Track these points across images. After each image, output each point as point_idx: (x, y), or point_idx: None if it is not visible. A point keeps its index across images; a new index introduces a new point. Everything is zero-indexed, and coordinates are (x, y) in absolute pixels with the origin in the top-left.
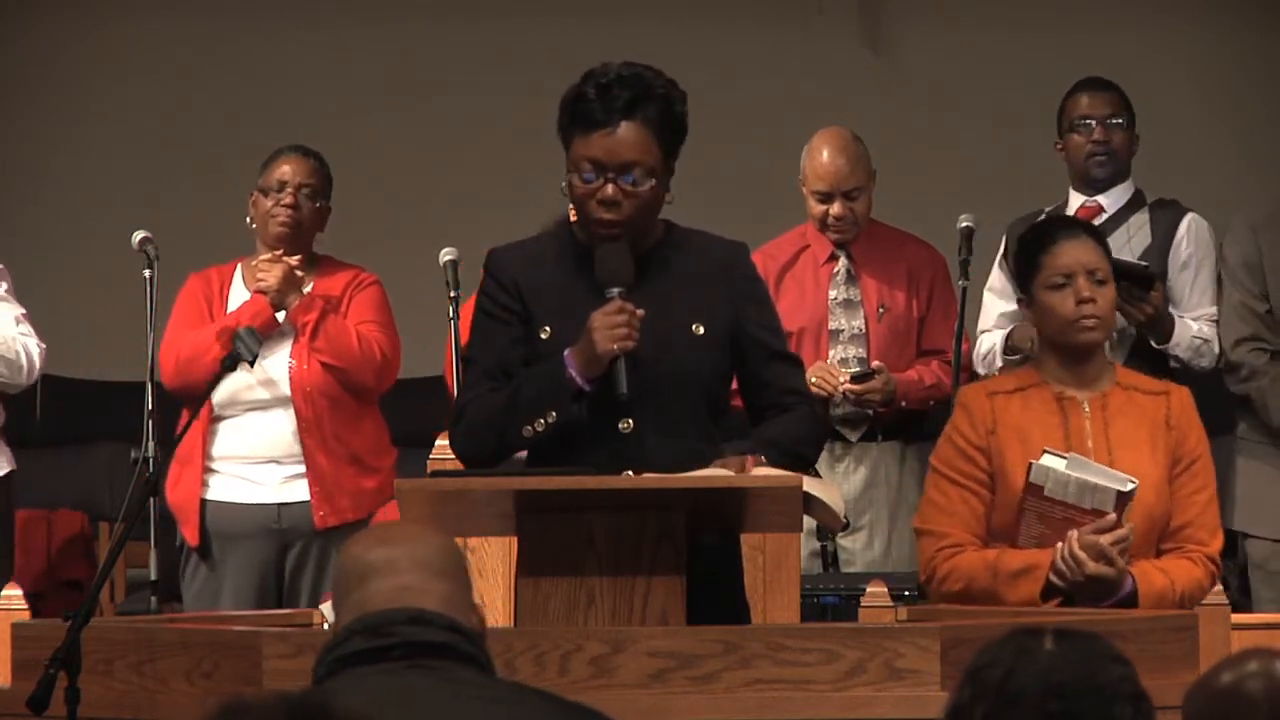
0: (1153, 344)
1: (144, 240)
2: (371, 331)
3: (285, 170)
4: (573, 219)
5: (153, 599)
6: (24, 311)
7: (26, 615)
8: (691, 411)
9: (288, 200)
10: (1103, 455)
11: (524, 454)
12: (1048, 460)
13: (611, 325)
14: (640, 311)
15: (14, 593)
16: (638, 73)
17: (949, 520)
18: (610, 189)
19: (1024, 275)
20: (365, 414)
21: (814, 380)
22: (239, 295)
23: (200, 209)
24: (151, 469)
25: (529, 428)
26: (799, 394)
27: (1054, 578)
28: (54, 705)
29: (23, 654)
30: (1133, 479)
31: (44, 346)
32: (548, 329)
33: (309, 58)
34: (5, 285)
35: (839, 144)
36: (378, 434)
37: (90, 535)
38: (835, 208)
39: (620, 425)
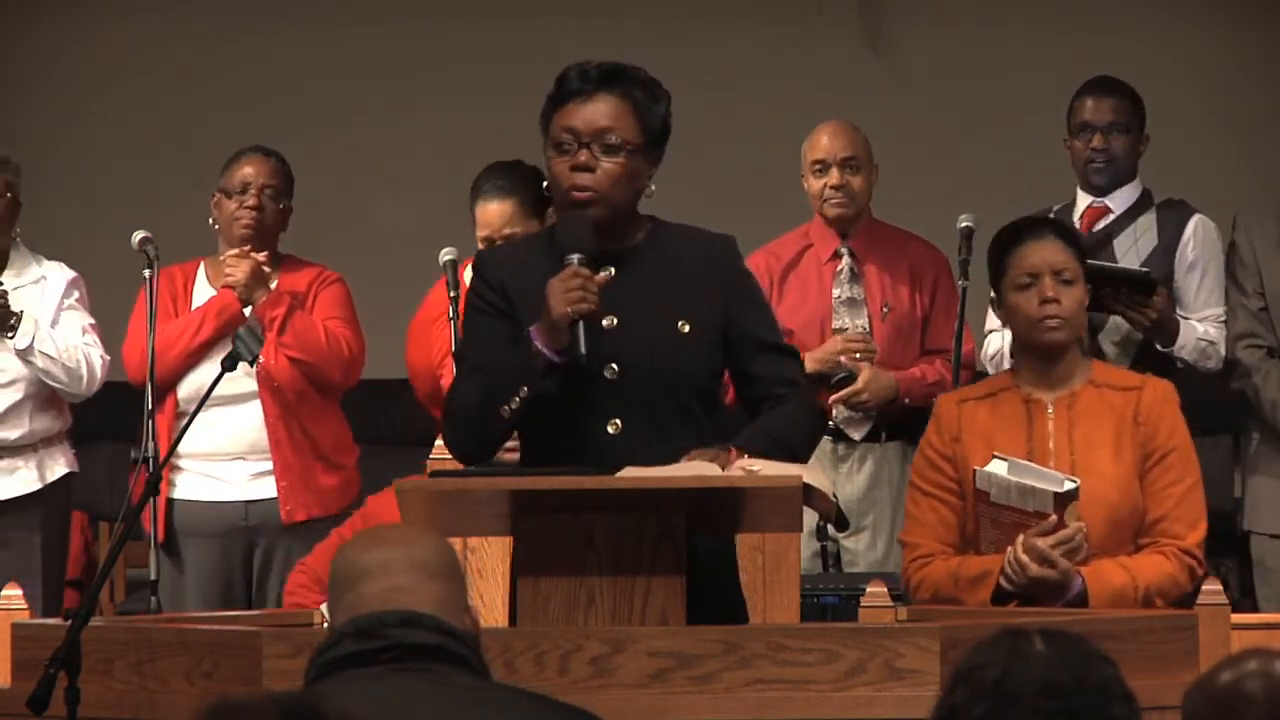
0: (1158, 347)
1: (144, 240)
2: (337, 328)
3: (248, 171)
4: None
5: (153, 599)
6: (93, 322)
7: (26, 615)
8: (680, 410)
9: (251, 202)
10: (1065, 456)
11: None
12: (991, 466)
13: (567, 289)
14: (600, 276)
15: (14, 592)
16: (620, 63)
17: (921, 531)
18: (583, 154)
19: (994, 276)
20: (329, 410)
21: (843, 353)
22: (203, 293)
23: (200, 209)
24: (151, 469)
25: (506, 407)
26: (793, 384)
27: (1003, 582)
28: (54, 705)
29: (23, 654)
30: (1072, 478)
31: (107, 358)
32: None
33: (308, 57)
34: (78, 294)
35: (837, 124)
36: (341, 431)
37: (90, 535)
38: (833, 175)
39: (609, 427)
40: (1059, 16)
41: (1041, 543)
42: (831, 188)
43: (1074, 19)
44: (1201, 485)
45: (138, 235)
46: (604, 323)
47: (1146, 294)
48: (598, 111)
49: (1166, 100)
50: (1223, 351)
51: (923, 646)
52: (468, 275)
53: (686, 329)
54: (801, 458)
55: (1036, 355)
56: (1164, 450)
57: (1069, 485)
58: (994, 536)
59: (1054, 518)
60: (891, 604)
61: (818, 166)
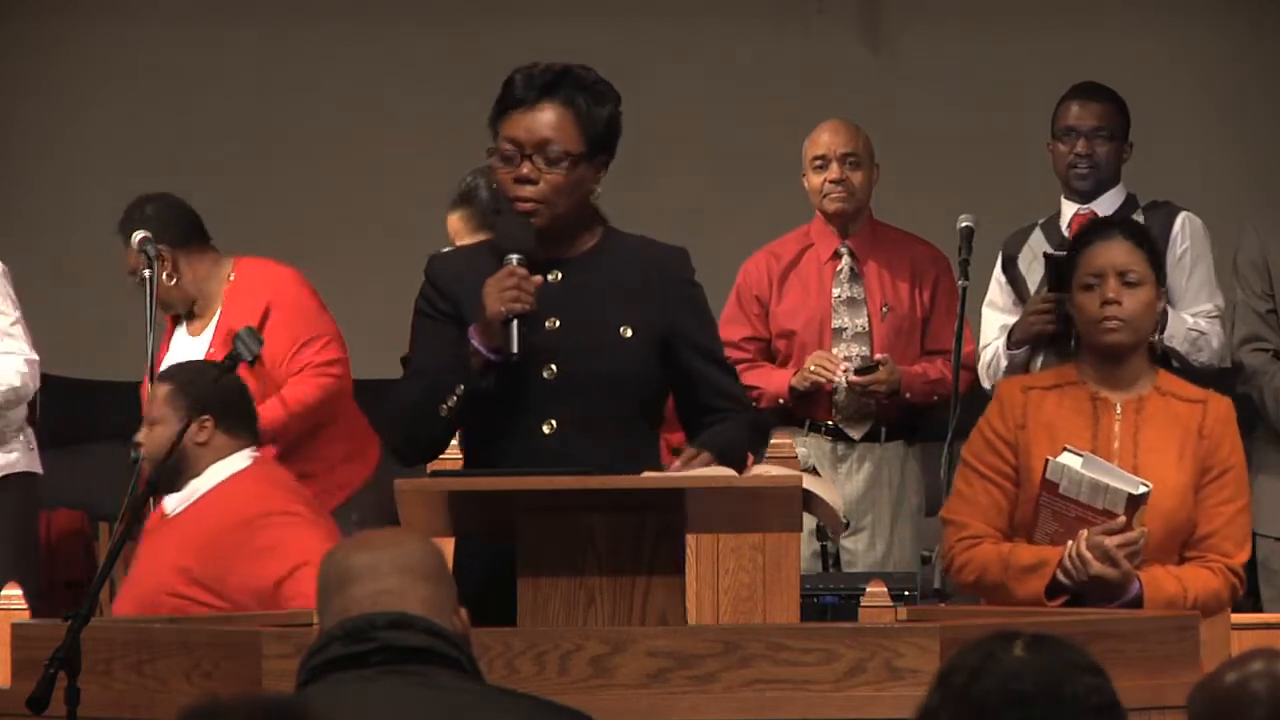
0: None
1: (144, 240)
2: (305, 388)
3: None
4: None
5: None
6: (16, 317)
7: (26, 615)
8: (617, 413)
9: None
10: (1128, 459)
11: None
12: (1065, 458)
13: (502, 288)
14: (537, 279)
15: (14, 593)
16: (568, 66)
17: (971, 511)
18: (525, 166)
19: (1068, 278)
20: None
21: (813, 368)
22: (179, 344)
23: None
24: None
25: (444, 406)
26: (739, 401)
27: (1061, 576)
28: (54, 705)
29: (23, 654)
30: (1146, 483)
31: (35, 359)
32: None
33: (309, 57)
34: None
35: (838, 122)
36: (331, 445)
37: (90, 535)
38: (833, 170)
39: (544, 427)
40: (1059, 17)
41: (1108, 541)
42: (831, 182)
43: (1074, 19)
44: (1250, 509)
45: (138, 235)
46: (546, 324)
47: None
48: (540, 122)
49: (1167, 101)
50: (1215, 344)
51: (922, 646)
52: None
53: (629, 334)
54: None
55: (1100, 356)
56: (1223, 468)
57: (1143, 489)
58: (1053, 529)
59: (1122, 519)
60: (891, 604)
61: (818, 162)
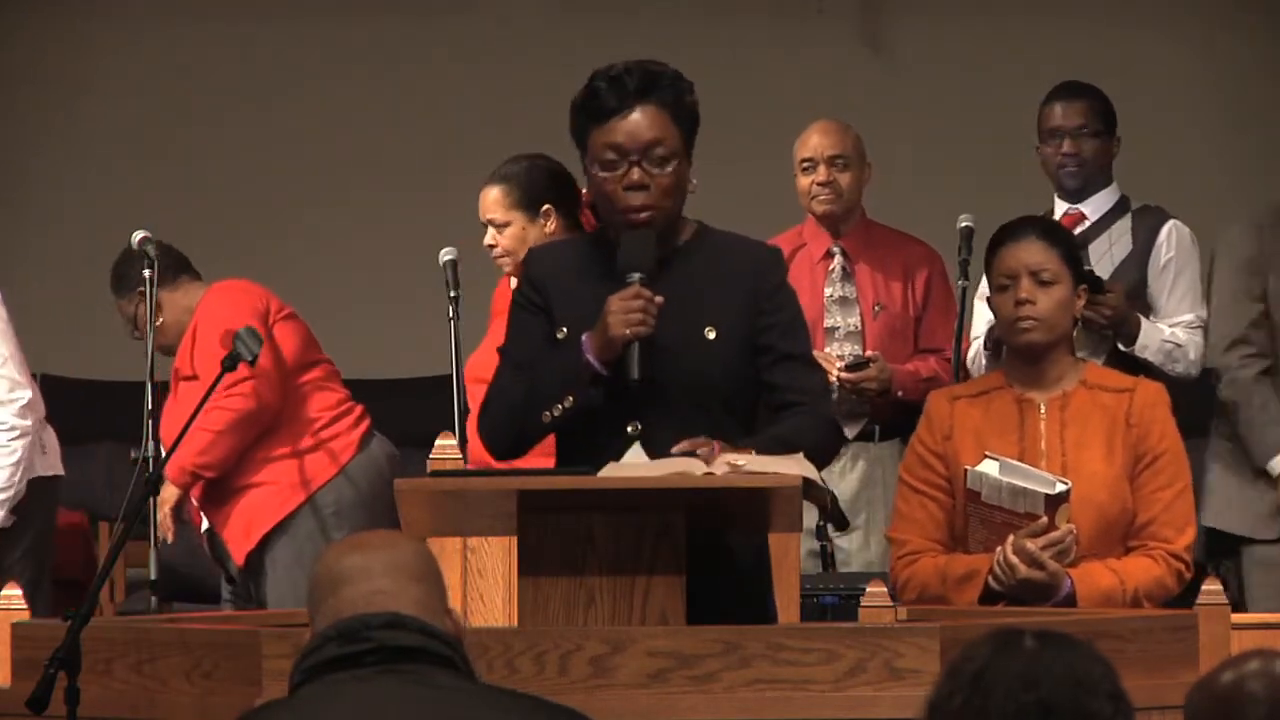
0: (1120, 346)
1: (144, 240)
2: (223, 414)
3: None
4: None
5: (153, 599)
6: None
7: (26, 615)
8: (702, 415)
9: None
10: (1056, 457)
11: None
12: (983, 465)
13: (627, 310)
14: (659, 299)
15: (14, 593)
16: (644, 64)
17: (910, 528)
18: (635, 172)
19: (988, 279)
20: (217, 449)
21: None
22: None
23: (194, 211)
24: (151, 469)
25: (547, 413)
26: (808, 394)
27: (992, 582)
28: (54, 705)
29: (23, 654)
30: (1064, 480)
31: (26, 396)
32: (564, 330)
33: (309, 57)
34: None
35: (827, 123)
36: (275, 448)
37: (90, 535)
38: (820, 172)
39: (628, 428)
40: (1059, 15)
41: (1031, 544)
42: (818, 184)
43: (1076, 19)
44: (1191, 489)
45: (138, 235)
46: None
47: (1096, 291)
48: (640, 125)
49: (1169, 102)
50: (1192, 355)
51: (922, 646)
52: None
53: (712, 335)
54: (809, 460)
55: (1020, 356)
56: (1155, 453)
57: (1060, 488)
58: (983, 536)
59: (1044, 519)
60: (891, 604)
61: (806, 164)
